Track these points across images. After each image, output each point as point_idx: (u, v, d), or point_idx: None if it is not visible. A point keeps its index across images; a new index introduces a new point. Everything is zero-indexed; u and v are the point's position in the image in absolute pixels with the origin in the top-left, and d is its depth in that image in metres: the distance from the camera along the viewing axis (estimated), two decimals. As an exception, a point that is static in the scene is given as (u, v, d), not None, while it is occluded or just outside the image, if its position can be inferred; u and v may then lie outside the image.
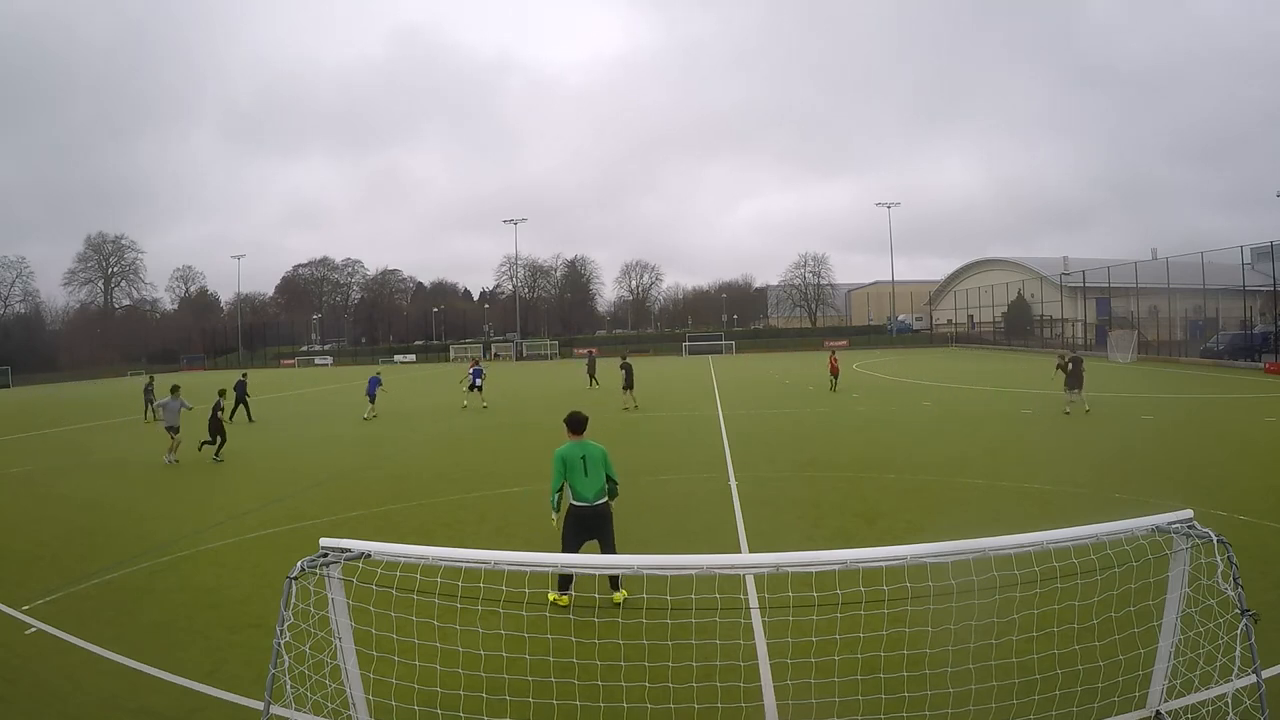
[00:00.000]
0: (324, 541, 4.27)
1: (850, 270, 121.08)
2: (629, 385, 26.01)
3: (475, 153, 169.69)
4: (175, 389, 18.53)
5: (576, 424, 7.33)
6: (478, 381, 27.67)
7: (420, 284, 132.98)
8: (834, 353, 32.74)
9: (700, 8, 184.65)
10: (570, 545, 6.79)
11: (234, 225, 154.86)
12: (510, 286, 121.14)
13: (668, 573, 4.46)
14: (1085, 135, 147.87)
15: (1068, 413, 19.57)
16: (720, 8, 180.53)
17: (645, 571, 4.14)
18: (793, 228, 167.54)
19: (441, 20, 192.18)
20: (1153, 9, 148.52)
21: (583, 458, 7.03)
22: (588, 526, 6.88)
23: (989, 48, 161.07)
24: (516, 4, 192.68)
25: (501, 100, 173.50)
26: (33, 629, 7.09)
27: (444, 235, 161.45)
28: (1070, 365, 20.11)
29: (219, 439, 17.45)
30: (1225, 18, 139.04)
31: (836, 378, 30.03)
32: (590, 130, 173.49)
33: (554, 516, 7.13)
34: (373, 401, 25.52)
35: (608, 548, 6.89)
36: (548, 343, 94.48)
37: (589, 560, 4.37)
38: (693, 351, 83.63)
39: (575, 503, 6.93)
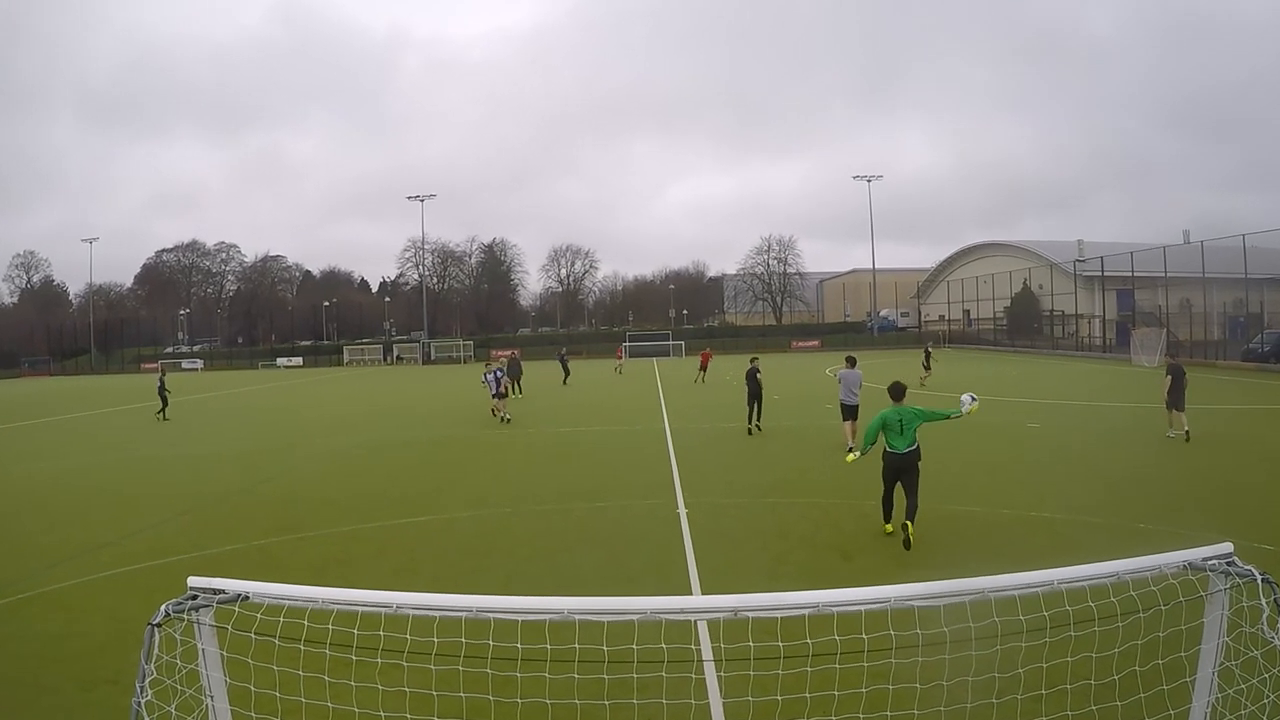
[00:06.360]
0: (193, 581, 4.17)
1: (816, 261, 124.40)
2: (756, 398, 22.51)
3: (370, 132, 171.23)
4: None
5: (898, 393, 11.10)
6: (498, 387, 26.35)
7: (308, 273, 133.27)
8: (708, 349, 46.89)
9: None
10: (888, 483, 10.92)
11: (88, 208, 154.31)
12: (416, 276, 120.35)
13: (604, 618, 4.36)
14: (1080, 108, 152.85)
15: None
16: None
17: (577, 617, 4.06)
18: (750, 211, 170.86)
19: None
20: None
21: (899, 420, 10.65)
22: (899, 469, 10.70)
23: (959, 13, 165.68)
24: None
25: (397, 76, 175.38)
26: None
27: (335, 219, 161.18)
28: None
29: None
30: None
31: (704, 371, 41.64)
32: (506, 108, 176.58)
33: (853, 455, 11.47)
34: (517, 390, 28.32)
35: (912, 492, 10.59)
36: (461, 343, 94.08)
37: (514, 604, 4.26)
38: (634, 353, 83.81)
39: (890, 451, 10.73)
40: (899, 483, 10.82)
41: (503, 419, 25.44)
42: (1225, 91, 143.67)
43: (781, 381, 37.22)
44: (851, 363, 19.37)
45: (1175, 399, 18.51)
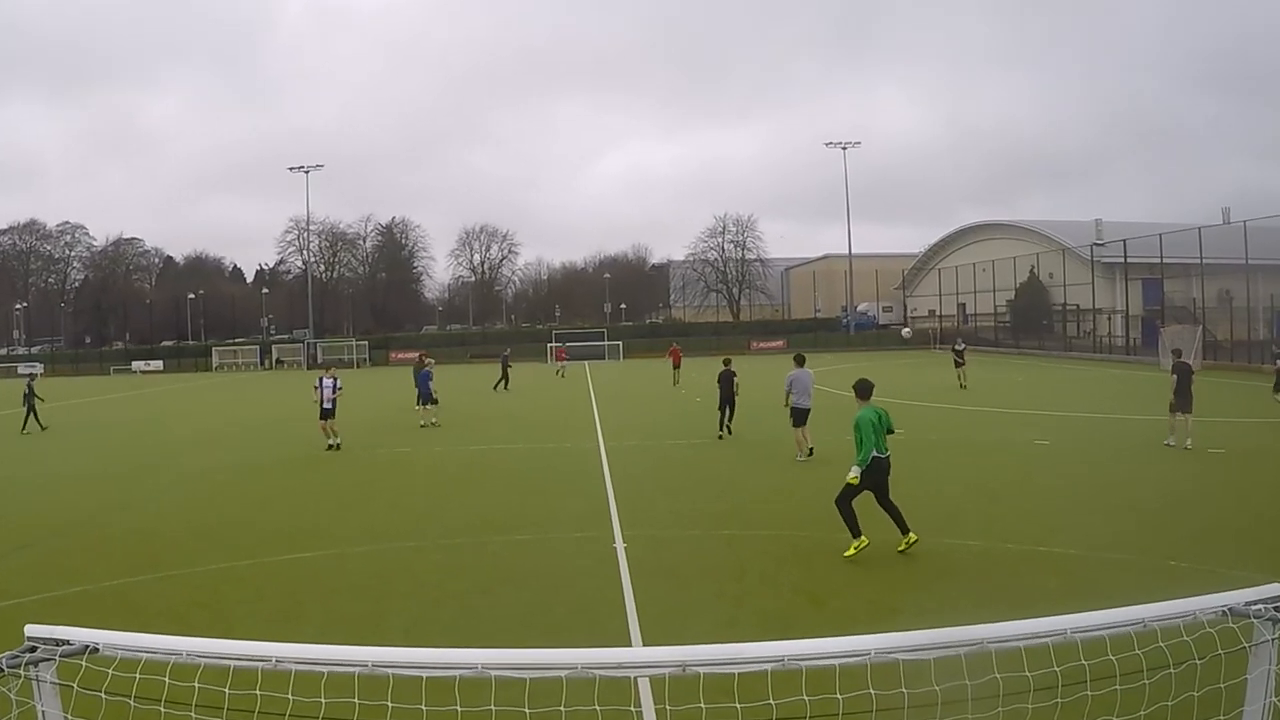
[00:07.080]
0: (31, 630, 4.07)
1: (781, 245, 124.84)
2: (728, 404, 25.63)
3: (244, 93, 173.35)
4: None
5: (867, 391, 12.34)
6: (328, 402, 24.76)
7: (170, 259, 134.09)
8: (674, 344, 53.55)
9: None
10: (856, 493, 11.57)
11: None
12: (300, 262, 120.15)
13: (526, 674, 4.31)
14: (1095, 62, 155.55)
15: None
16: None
17: (493, 672, 4.01)
18: (701, 187, 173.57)
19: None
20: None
21: (880, 419, 11.80)
22: (881, 476, 11.69)
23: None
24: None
25: (276, 26, 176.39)
26: None
27: (202, 195, 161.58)
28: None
29: None
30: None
31: (678, 369, 46.37)
32: (407, 64, 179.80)
33: (856, 475, 11.56)
34: (428, 403, 29.51)
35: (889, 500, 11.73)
36: (354, 343, 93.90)
37: (417, 657, 4.19)
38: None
39: (878, 456, 11.62)
40: (869, 491, 11.62)
41: (331, 445, 23.96)
42: (1269, 41, 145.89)
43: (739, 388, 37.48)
44: (800, 362, 21.45)
45: (1183, 402, 19.85)
